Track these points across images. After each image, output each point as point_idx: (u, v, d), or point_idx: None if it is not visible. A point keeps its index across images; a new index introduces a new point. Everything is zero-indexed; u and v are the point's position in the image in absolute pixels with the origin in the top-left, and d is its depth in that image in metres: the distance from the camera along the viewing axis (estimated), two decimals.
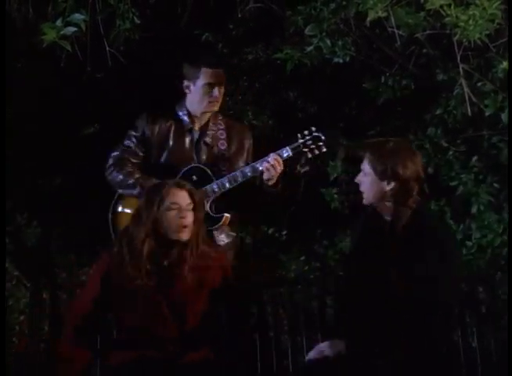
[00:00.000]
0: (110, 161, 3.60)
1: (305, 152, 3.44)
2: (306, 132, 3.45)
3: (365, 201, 2.94)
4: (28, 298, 3.55)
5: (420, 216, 2.89)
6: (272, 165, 3.36)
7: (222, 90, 3.52)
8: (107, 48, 4.18)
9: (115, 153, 3.61)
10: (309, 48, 4.03)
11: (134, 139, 3.59)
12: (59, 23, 3.33)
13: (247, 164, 3.58)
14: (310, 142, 3.43)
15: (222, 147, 3.56)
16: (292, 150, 3.42)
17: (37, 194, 5.65)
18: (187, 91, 3.55)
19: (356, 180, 2.95)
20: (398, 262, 2.81)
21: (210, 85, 3.47)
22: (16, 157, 5.40)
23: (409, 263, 2.77)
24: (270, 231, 5.38)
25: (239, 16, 4.70)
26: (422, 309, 2.74)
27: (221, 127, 3.60)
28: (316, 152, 3.45)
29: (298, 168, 5.65)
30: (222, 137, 3.58)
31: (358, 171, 2.93)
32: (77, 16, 3.38)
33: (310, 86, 5.42)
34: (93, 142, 5.64)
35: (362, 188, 2.92)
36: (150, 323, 2.84)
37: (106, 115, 5.63)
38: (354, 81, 4.78)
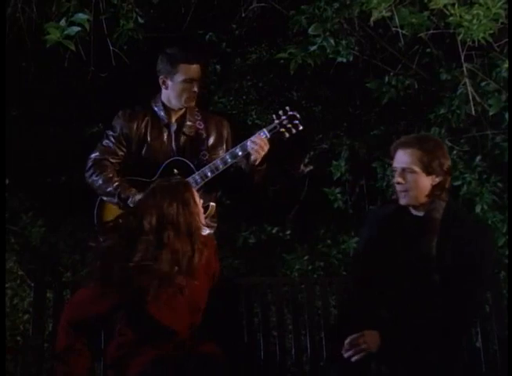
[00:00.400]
0: (90, 163, 3.58)
1: (283, 132, 3.43)
2: (281, 112, 3.44)
3: (405, 201, 2.89)
4: (32, 297, 3.54)
5: (455, 208, 2.92)
6: (260, 146, 3.36)
7: (199, 85, 3.52)
8: (111, 48, 4.19)
9: (94, 154, 3.60)
10: (313, 48, 4.03)
11: (112, 139, 3.58)
12: (62, 22, 3.34)
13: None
14: (286, 121, 3.43)
15: (202, 137, 3.57)
16: (269, 131, 3.42)
17: (42, 193, 5.67)
18: (163, 86, 3.54)
19: (397, 180, 2.89)
20: (438, 255, 2.82)
21: (189, 81, 3.47)
22: (21, 156, 5.43)
23: (451, 254, 2.79)
24: (274, 230, 5.38)
25: (243, 15, 4.71)
26: (456, 303, 2.78)
27: (199, 118, 3.60)
28: (293, 131, 3.44)
29: (302, 167, 5.67)
30: (201, 127, 3.58)
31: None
32: (81, 16, 3.39)
33: (314, 86, 5.42)
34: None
35: (406, 186, 2.87)
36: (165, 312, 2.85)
37: (109, 115, 5.63)
38: (357, 80, 4.78)
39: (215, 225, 3.64)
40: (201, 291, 2.94)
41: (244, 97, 5.59)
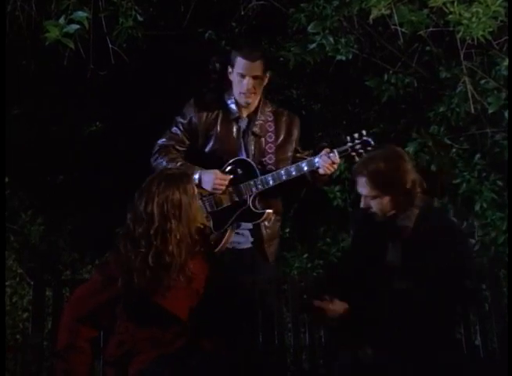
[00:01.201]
0: (156, 148, 3.55)
1: (353, 156, 3.34)
2: (356, 135, 3.35)
3: (380, 218, 2.93)
4: (31, 295, 3.54)
5: (427, 215, 2.91)
6: (332, 162, 3.31)
7: (257, 83, 3.44)
8: (110, 46, 4.18)
9: (162, 140, 3.56)
10: (312, 46, 4.02)
11: (181, 126, 3.53)
12: (62, 20, 3.33)
13: (296, 152, 3.58)
14: (359, 146, 3.33)
15: (270, 140, 3.52)
16: (339, 153, 3.33)
17: (42, 192, 5.67)
18: (230, 77, 3.51)
19: (363, 206, 2.93)
20: (406, 262, 2.83)
21: (242, 76, 3.43)
22: (20, 155, 5.42)
23: (421, 261, 2.78)
24: None
25: (242, 13, 4.71)
26: (427, 307, 2.76)
27: (270, 118, 3.55)
28: (363, 155, 3.30)
29: None
30: (271, 129, 3.54)
31: None
32: (80, 14, 3.37)
33: (313, 84, 5.42)
34: (96, 139, 5.65)
35: (375, 209, 2.92)
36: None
37: (108, 113, 5.64)
38: (357, 78, 4.78)
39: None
40: (200, 275, 2.95)
41: None
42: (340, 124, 5.31)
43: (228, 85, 3.56)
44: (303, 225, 5.49)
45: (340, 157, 3.34)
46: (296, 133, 3.60)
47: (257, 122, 3.53)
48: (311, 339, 3.47)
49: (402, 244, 2.89)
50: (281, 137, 3.56)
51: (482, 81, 4.01)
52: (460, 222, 4.16)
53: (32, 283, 3.53)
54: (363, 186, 2.89)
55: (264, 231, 3.51)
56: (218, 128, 3.50)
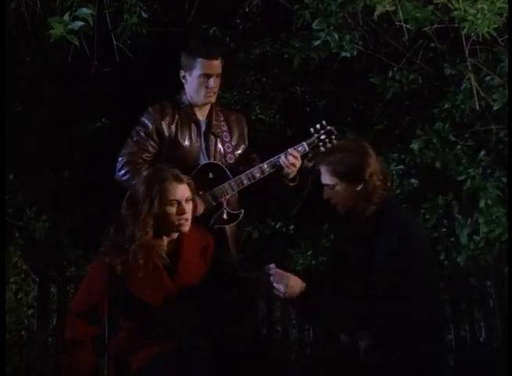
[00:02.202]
0: (121, 163, 3.48)
1: (319, 146, 3.53)
2: (318, 126, 3.53)
3: (343, 213, 2.96)
4: (36, 291, 3.56)
5: (382, 211, 2.91)
6: (291, 163, 3.41)
7: (219, 81, 3.49)
8: (114, 43, 4.19)
9: (126, 153, 3.50)
10: (317, 43, 4.02)
11: (144, 135, 3.50)
12: (66, 17, 3.32)
13: (247, 150, 3.63)
14: (324, 136, 3.53)
15: (226, 139, 3.56)
16: (308, 145, 3.50)
17: (47, 188, 5.67)
18: (184, 81, 3.52)
19: (325, 197, 2.97)
20: (358, 258, 2.86)
21: (206, 76, 3.44)
22: (25, 151, 5.43)
23: (370, 258, 2.80)
24: (277, 226, 5.38)
25: (247, 10, 4.70)
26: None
27: (221, 118, 3.59)
28: (328, 145, 3.53)
29: (305, 162, 5.66)
30: (224, 129, 3.58)
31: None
32: (85, 11, 3.37)
33: (317, 80, 5.41)
34: (101, 136, 5.66)
35: (335, 201, 2.95)
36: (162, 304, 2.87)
37: (113, 109, 5.64)
38: (361, 75, 4.77)
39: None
40: (194, 272, 2.97)
41: (248, 92, 5.59)
42: (345, 121, 5.30)
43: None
44: (307, 221, 5.49)
45: (309, 150, 3.48)
46: (246, 131, 3.66)
47: (214, 123, 3.55)
48: (314, 335, 3.47)
49: (355, 239, 2.92)
50: (234, 137, 3.60)
51: (487, 78, 4.01)
52: (464, 220, 4.16)
53: (37, 279, 3.53)
54: (324, 175, 2.94)
55: (228, 232, 3.55)
56: (180, 133, 3.50)
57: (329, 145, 3.52)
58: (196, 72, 3.45)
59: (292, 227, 5.37)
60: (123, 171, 3.46)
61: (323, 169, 2.94)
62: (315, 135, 3.52)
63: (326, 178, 2.93)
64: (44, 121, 5.72)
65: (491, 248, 4.12)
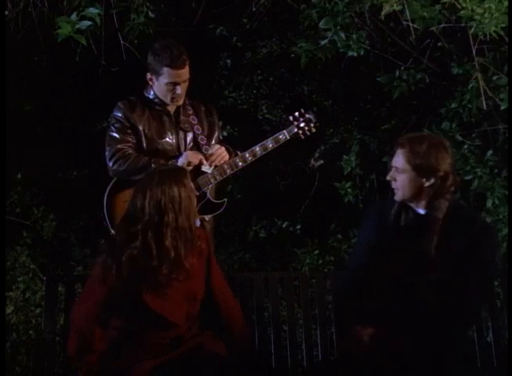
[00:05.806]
0: (112, 157, 3.47)
1: (299, 134, 3.61)
2: (297, 114, 3.61)
3: (398, 198, 2.93)
4: (44, 291, 3.56)
5: (458, 207, 2.93)
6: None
7: (186, 84, 3.48)
8: (122, 42, 4.20)
9: (111, 148, 3.49)
10: (323, 42, 4.02)
11: (118, 125, 3.49)
12: (74, 17, 3.35)
13: (220, 141, 3.65)
14: (303, 124, 3.61)
15: (198, 132, 3.58)
16: (288, 133, 3.58)
17: (54, 188, 5.69)
18: (150, 82, 3.51)
19: (389, 177, 2.93)
20: (436, 254, 2.82)
21: (173, 84, 3.44)
22: (33, 151, 5.45)
23: (451, 254, 2.79)
24: (284, 225, 5.39)
25: (254, 10, 4.71)
26: (454, 303, 2.77)
27: (190, 111, 3.60)
28: (308, 133, 3.63)
29: (312, 161, 5.67)
30: (195, 122, 3.59)
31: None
32: (92, 10, 3.39)
33: (324, 80, 5.41)
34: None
35: (397, 185, 2.91)
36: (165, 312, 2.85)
37: None
38: (368, 74, 4.77)
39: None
40: (196, 279, 2.92)
41: (255, 91, 5.60)
42: (352, 121, 5.31)
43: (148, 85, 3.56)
44: (314, 221, 5.49)
45: (290, 137, 3.57)
46: (216, 121, 3.69)
47: (182, 118, 3.56)
48: (322, 335, 3.47)
49: (432, 235, 2.87)
50: (206, 127, 3.62)
51: (494, 77, 4.00)
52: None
53: (44, 278, 3.54)
54: (398, 157, 2.89)
55: (207, 226, 3.52)
56: (152, 127, 3.51)
57: (308, 133, 3.62)
58: (164, 80, 3.44)
59: (299, 227, 5.37)
60: (114, 164, 3.46)
61: (401, 152, 2.89)
62: (295, 123, 3.60)
63: (399, 162, 2.89)
64: (51, 120, 5.74)
65: (498, 248, 4.11)
